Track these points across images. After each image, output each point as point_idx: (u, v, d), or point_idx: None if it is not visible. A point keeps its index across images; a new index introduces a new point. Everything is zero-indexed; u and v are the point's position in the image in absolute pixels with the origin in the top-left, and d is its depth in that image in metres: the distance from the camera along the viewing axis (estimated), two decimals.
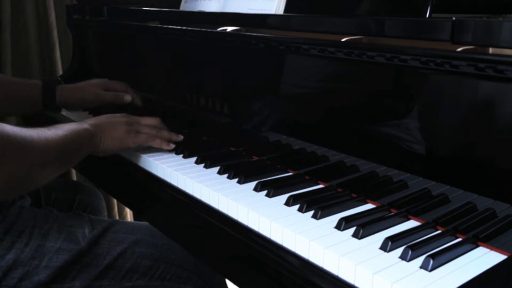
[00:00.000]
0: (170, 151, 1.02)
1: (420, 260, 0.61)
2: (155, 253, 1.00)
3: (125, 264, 0.97)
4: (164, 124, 1.05)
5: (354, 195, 0.80)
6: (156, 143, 1.00)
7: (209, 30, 1.06)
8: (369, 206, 0.78)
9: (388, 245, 0.64)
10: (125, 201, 1.33)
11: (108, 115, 1.03)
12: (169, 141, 1.03)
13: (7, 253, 0.88)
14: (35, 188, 0.89)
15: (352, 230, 0.68)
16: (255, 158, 0.99)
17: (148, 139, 1.00)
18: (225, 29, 1.04)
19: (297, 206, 0.76)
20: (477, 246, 0.65)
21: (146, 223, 1.06)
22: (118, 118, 1.01)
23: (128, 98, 1.26)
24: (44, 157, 0.84)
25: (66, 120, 1.28)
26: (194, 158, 0.97)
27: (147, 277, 0.98)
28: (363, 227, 0.67)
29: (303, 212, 0.74)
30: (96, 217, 1.04)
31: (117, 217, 1.93)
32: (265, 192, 0.81)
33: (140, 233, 1.02)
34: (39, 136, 0.83)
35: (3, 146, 0.75)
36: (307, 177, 0.87)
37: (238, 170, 0.89)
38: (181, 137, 1.04)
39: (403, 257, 0.62)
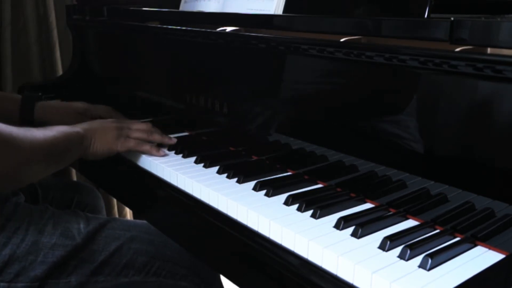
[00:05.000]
0: (170, 150, 1.03)
1: (418, 259, 0.61)
2: (151, 250, 1.00)
3: (121, 260, 0.97)
4: (156, 128, 1.06)
5: (353, 195, 0.80)
6: (145, 149, 1.00)
7: (209, 30, 1.06)
8: (368, 205, 0.78)
9: (386, 244, 0.64)
10: (124, 201, 1.34)
11: (100, 120, 1.06)
12: (162, 144, 1.04)
13: (3, 249, 0.89)
14: (22, 185, 0.90)
15: (351, 229, 0.68)
16: (255, 157, 1.00)
17: (137, 145, 1.01)
18: (225, 29, 1.05)
19: (296, 206, 0.76)
20: (476, 245, 0.65)
21: (143, 221, 1.06)
22: (109, 123, 1.04)
23: None
24: (30, 154, 0.84)
25: None
26: (194, 158, 0.97)
27: (143, 273, 0.99)
28: (361, 226, 0.67)
29: (302, 212, 0.75)
30: (93, 215, 1.05)
31: (116, 216, 1.93)
32: (264, 191, 0.82)
33: (136, 230, 1.02)
34: (25, 134, 0.84)
35: None
36: (306, 177, 0.88)
37: (237, 170, 0.89)
38: (174, 140, 1.05)
39: (401, 256, 0.62)
